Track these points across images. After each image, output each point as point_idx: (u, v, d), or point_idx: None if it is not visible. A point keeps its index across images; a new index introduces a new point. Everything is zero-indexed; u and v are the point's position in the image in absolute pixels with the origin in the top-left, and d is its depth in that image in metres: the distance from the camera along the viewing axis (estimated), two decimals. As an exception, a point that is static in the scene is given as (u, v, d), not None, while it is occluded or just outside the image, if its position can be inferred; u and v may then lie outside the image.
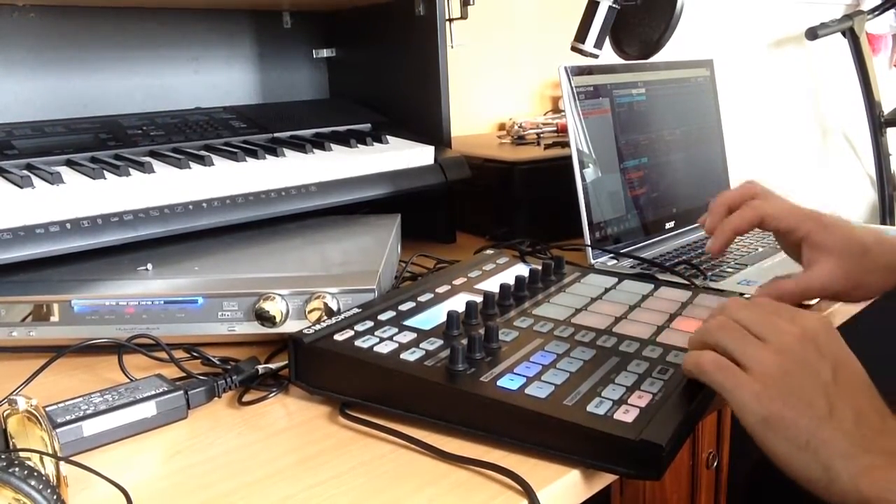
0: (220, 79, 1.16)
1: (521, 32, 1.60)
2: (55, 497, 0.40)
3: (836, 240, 0.64)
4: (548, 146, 1.19)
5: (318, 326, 0.60)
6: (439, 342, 0.58)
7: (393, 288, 0.79)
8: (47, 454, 0.45)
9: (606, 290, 0.73)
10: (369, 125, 1.11)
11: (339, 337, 0.59)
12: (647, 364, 0.56)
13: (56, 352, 0.63)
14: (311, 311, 0.67)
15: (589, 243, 0.91)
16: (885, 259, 0.65)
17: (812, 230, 0.65)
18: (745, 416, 0.48)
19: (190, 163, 0.85)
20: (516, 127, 1.27)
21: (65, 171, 0.79)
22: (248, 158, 0.89)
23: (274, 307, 0.67)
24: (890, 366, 0.61)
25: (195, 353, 0.67)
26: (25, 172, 0.76)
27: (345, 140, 1.00)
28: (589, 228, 0.91)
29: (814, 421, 0.46)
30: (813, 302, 0.76)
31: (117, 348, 0.65)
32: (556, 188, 0.98)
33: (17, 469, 0.39)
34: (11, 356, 0.69)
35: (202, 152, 0.90)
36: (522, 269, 0.78)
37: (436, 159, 0.99)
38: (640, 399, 0.51)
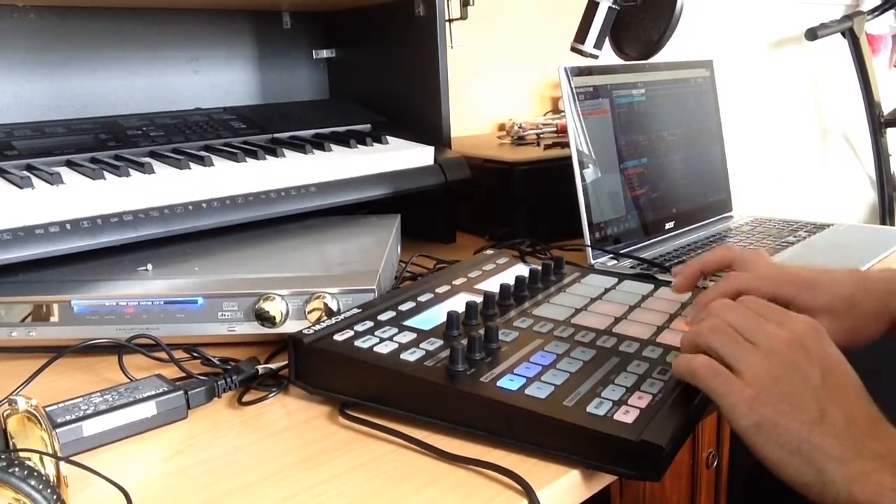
0: (219, 79, 1.16)
1: (521, 32, 1.60)
2: (55, 497, 0.40)
3: (822, 301, 0.63)
4: (548, 146, 1.19)
5: (318, 326, 0.60)
6: (439, 342, 0.58)
7: (393, 288, 0.79)
8: (47, 454, 0.45)
9: (606, 291, 0.73)
10: (369, 125, 1.11)
11: (339, 337, 0.59)
12: (646, 365, 0.56)
13: (56, 352, 0.63)
14: (311, 312, 0.67)
15: (589, 243, 0.91)
16: (871, 307, 0.64)
17: (796, 295, 0.64)
18: (737, 420, 0.48)
19: (190, 163, 0.85)
20: (516, 127, 1.27)
21: (65, 172, 0.79)
22: (248, 159, 0.89)
23: (274, 307, 0.67)
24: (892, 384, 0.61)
25: (195, 354, 0.67)
26: (25, 173, 0.76)
27: (344, 140, 1.00)
28: (589, 229, 0.91)
29: (805, 425, 0.46)
30: None
31: (117, 348, 0.65)
32: (555, 188, 0.98)
33: (17, 469, 0.39)
34: (11, 356, 0.69)
35: (202, 153, 0.90)
36: (522, 270, 0.78)
37: (435, 160, 0.99)
38: (640, 400, 0.51)
